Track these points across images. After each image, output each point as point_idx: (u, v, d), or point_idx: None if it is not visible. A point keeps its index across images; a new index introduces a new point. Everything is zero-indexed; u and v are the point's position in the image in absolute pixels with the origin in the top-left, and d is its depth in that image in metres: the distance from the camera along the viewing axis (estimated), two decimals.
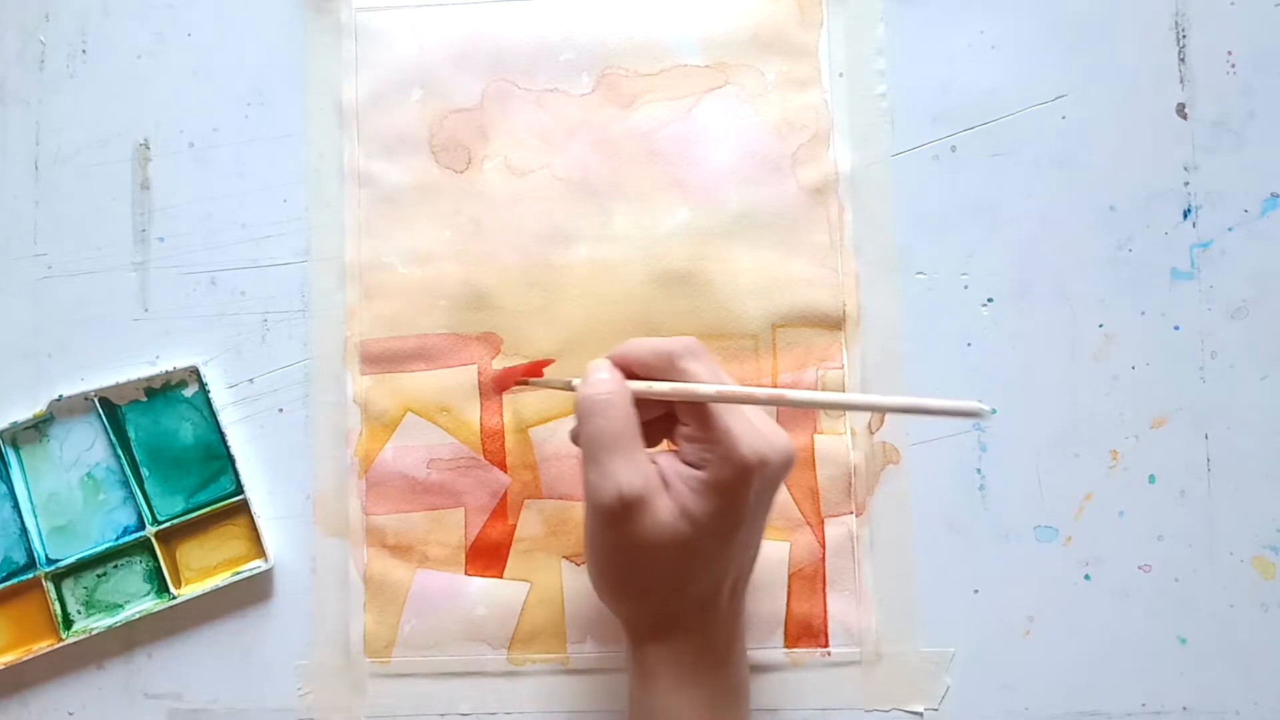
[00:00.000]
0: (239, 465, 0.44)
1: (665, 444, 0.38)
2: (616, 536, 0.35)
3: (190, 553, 0.45)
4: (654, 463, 0.35)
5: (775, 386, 0.44)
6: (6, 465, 0.45)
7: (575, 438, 0.36)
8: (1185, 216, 0.45)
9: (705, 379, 0.35)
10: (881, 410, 0.33)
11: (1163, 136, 0.45)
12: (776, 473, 0.35)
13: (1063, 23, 0.46)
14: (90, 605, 0.45)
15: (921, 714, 0.44)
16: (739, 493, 0.34)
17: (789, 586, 0.44)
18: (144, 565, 0.45)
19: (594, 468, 0.34)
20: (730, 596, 0.37)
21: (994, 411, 0.31)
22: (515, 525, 0.45)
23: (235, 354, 0.46)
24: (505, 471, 0.45)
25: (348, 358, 0.45)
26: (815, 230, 0.45)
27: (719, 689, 0.37)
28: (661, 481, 0.34)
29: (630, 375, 0.36)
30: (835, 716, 0.44)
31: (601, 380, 0.35)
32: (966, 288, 0.45)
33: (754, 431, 0.34)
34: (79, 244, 0.46)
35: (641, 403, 0.35)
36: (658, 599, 0.36)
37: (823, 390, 0.44)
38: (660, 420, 0.37)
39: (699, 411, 0.34)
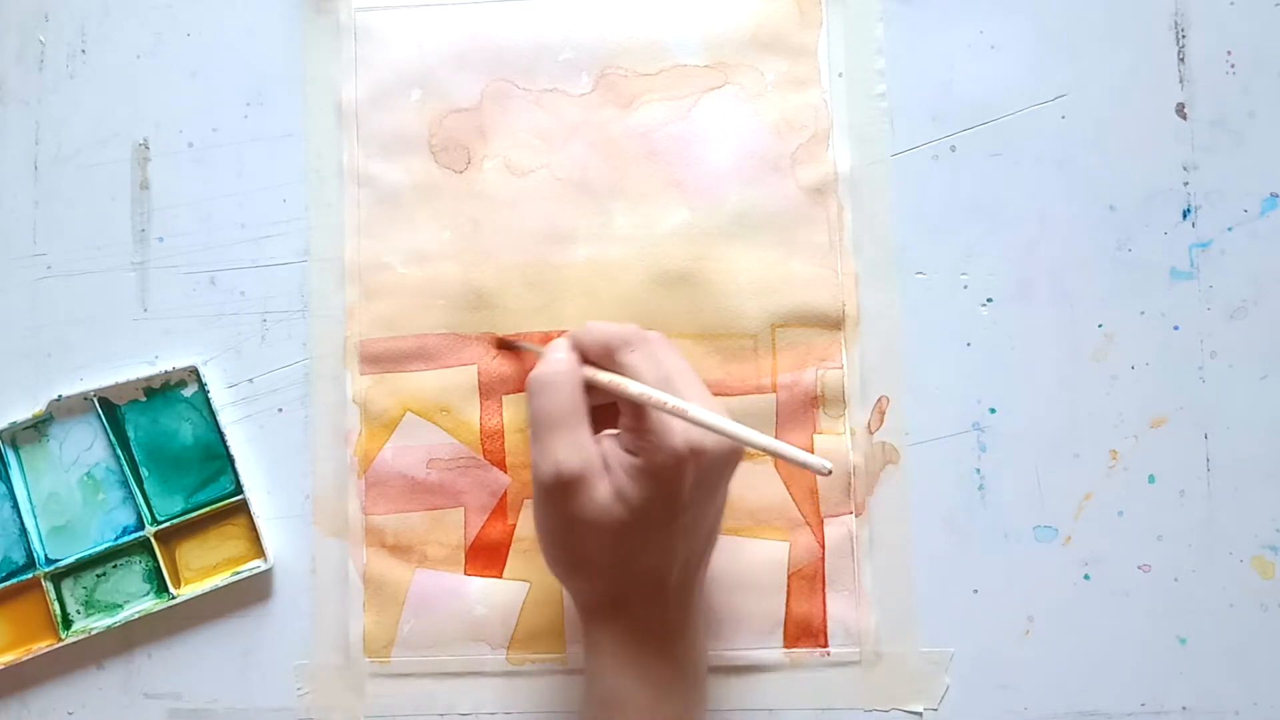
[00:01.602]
0: (238, 465, 0.44)
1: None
2: (555, 512, 0.35)
3: (190, 553, 0.45)
4: (599, 445, 0.36)
5: (775, 386, 0.44)
6: (6, 465, 0.45)
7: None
8: (1185, 216, 0.45)
9: (642, 370, 0.35)
10: (746, 444, 0.34)
11: (1162, 136, 0.45)
12: (715, 463, 0.35)
13: (1063, 23, 0.46)
14: (90, 605, 0.45)
15: (921, 714, 0.43)
16: (673, 481, 0.34)
17: (788, 586, 0.44)
18: (143, 565, 0.45)
19: (536, 444, 0.35)
20: (681, 581, 0.37)
21: (829, 470, 0.32)
22: (515, 525, 0.45)
23: (235, 354, 0.46)
24: (505, 471, 0.45)
25: (347, 358, 0.45)
26: (815, 230, 0.45)
27: (666, 670, 0.37)
28: (603, 464, 0.35)
29: (586, 358, 0.36)
30: (834, 716, 0.44)
31: (554, 360, 0.36)
32: (966, 288, 0.45)
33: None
34: (78, 244, 0.46)
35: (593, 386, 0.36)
36: (599, 576, 0.37)
37: (821, 390, 0.44)
38: (614, 405, 0.37)
39: (633, 401, 0.35)
